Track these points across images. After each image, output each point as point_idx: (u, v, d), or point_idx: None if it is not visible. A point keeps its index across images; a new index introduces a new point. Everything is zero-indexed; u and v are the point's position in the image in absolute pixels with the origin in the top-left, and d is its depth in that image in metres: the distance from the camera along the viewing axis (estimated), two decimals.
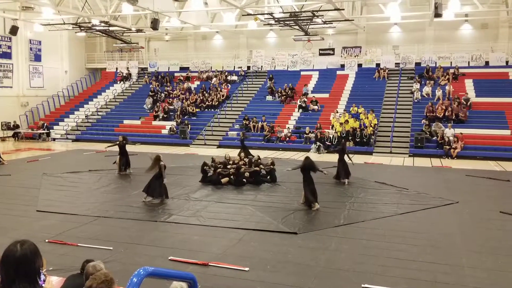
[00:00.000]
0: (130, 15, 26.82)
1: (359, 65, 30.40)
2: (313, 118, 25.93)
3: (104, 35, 30.22)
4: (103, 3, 24.68)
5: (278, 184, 14.19)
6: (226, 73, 32.52)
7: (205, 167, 14.79)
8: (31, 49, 31.35)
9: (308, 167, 11.43)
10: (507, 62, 27.59)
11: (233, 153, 19.14)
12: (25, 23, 28.44)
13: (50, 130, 28.98)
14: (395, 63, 29.74)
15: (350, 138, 23.09)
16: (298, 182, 13.41)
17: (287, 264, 7.45)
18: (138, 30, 28.71)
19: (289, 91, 28.59)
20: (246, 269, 7.15)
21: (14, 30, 25.71)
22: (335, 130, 23.66)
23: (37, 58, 31.87)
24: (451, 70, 27.63)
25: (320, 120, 25.32)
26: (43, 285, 2.84)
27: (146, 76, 34.85)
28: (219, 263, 7.35)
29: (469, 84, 26.80)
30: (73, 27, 27.08)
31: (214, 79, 32.15)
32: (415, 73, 28.77)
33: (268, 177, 14.66)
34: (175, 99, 30.28)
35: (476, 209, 11.16)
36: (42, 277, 2.87)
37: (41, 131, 28.49)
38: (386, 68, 29.29)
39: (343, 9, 23.25)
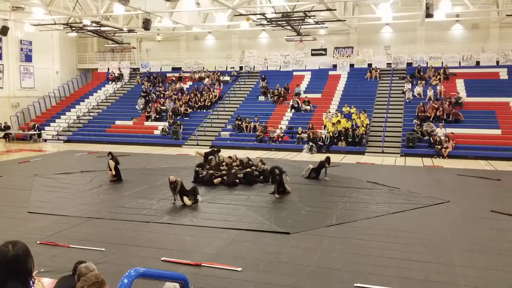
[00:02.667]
0: (122, 15, 26.72)
1: (351, 65, 30.51)
2: (306, 118, 25.98)
3: (95, 35, 30.08)
4: (94, 3, 24.58)
5: (270, 184, 14.17)
6: (219, 74, 32.49)
7: (197, 168, 14.81)
8: (21, 49, 31.15)
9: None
10: (497, 62, 27.83)
11: (226, 154, 19.13)
12: (15, 23, 28.25)
13: (41, 131, 28.78)
14: (387, 63, 29.90)
15: (342, 138, 23.19)
16: (292, 183, 13.48)
17: (279, 264, 7.46)
18: (130, 31, 28.61)
19: (283, 91, 28.62)
20: (239, 269, 7.15)
21: (4, 31, 25.51)
22: (328, 130, 23.72)
23: (28, 58, 31.66)
24: (442, 70, 27.81)
25: (313, 120, 25.37)
26: (32, 286, 2.83)
27: (138, 77, 34.73)
28: (212, 264, 7.34)
29: (460, 84, 26.99)
30: (64, 28, 26.94)
31: (207, 79, 32.11)
32: (406, 73, 28.92)
33: (261, 177, 14.68)
34: (167, 99, 30.21)
35: (467, 208, 11.23)
36: (31, 279, 2.86)
37: (32, 132, 28.31)
38: (377, 68, 29.42)
39: (335, 10, 23.33)
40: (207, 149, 18.34)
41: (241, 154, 21.18)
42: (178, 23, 28.26)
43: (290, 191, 12.90)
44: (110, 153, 15.55)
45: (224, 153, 18.78)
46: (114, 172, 14.67)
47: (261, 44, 34.47)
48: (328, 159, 15.49)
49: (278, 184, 12.68)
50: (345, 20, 26.60)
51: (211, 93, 29.93)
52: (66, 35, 31.24)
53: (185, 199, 11.45)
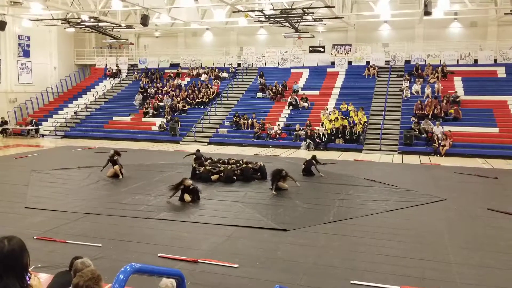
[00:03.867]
0: (120, 11, 26.62)
1: (349, 63, 30.51)
2: (303, 115, 25.98)
3: (93, 31, 29.95)
4: None
5: (268, 181, 14.17)
6: (217, 70, 32.45)
7: (194, 164, 14.81)
8: (19, 44, 31.00)
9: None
10: (495, 60, 27.85)
11: (223, 151, 19.18)
12: (13, 18, 28.12)
13: (39, 127, 28.70)
14: (385, 61, 29.90)
15: (340, 135, 23.21)
16: (289, 180, 13.48)
17: (276, 260, 7.47)
18: (128, 26, 28.51)
19: (281, 88, 28.61)
20: (236, 265, 7.16)
21: (2, 26, 25.39)
22: (325, 127, 23.73)
23: (26, 53, 31.52)
24: (440, 68, 27.83)
25: (310, 117, 25.36)
26: (29, 282, 2.83)
27: (136, 73, 34.64)
28: (209, 260, 7.35)
29: (458, 82, 27.01)
30: (62, 23, 26.80)
31: (204, 75, 32.07)
32: (404, 71, 28.95)
33: (258, 174, 14.68)
34: (165, 95, 30.17)
35: (464, 206, 11.26)
36: (28, 274, 2.85)
37: (29, 127, 28.24)
38: (375, 65, 29.42)
39: (333, 7, 23.27)
40: (192, 154, 17.85)
41: (239, 150, 21.26)
42: (176, 19, 28.15)
43: (288, 187, 12.91)
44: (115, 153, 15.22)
45: (222, 150, 18.85)
46: (120, 175, 14.60)
47: (259, 40, 34.40)
48: (313, 157, 15.63)
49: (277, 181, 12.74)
50: (343, 17, 26.53)
51: (209, 90, 29.88)
52: (64, 31, 31.11)
53: (186, 196, 11.44)
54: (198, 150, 17.42)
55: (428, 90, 25.71)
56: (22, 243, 2.79)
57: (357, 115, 24.10)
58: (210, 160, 15.82)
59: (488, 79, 26.72)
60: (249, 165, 14.89)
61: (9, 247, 2.71)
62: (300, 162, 17.05)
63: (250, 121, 25.61)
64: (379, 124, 23.92)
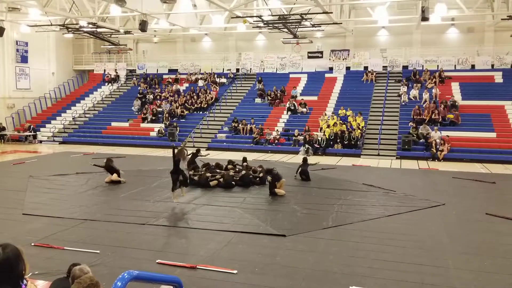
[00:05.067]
0: (118, 16, 26.69)
1: (347, 68, 30.60)
2: (302, 121, 26.01)
3: (91, 36, 30.01)
4: (91, 4, 24.54)
5: (266, 186, 14.16)
6: (215, 75, 32.50)
7: (190, 171, 14.72)
8: (17, 50, 31.03)
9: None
10: (492, 65, 27.97)
11: (222, 156, 19.13)
12: (11, 24, 28.17)
13: (37, 132, 28.69)
14: (383, 66, 30.01)
15: (338, 140, 23.23)
16: (288, 185, 13.48)
17: (275, 266, 7.45)
18: (126, 32, 28.57)
19: (280, 94, 28.66)
20: (235, 271, 7.13)
21: (0, 31, 25.42)
22: (324, 132, 23.75)
23: (24, 59, 31.55)
24: (437, 73, 27.92)
25: (309, 122, 25.40)
26: None
27: (134, 78, 34.68)
28: (207, 266, 7.32)
29: (455, 87, 27.09)
30: (60, 29, 26.85)
31: (200, 81, 32.10)
32: (402, 76, 29.02)
33: (257, 179, 14.65)
34: (163, 101, 30.18)
35: (462, 211, 11.26)
36: (24, 281, 2.84)
37: (27, 133, 28.21)
38: (373, 71, 29.49)
39: (331, 12, 23.37)
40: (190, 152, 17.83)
41: (238, 156, 21.19)
42: (175, 25, 28.24)
43: (285, 193, 12.86)
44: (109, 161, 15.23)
45: (221, 155, 18.79)
46: (120, 179, 14.59)
47: (257, 46, 34.49)
48: (305, 159, 15.81)
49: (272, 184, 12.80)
50: (341, 23, 26.65)
51: (208, 95, 29.91)
52: (62, 36, 31.17)
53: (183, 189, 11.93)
54: (198, 150, 17.38)
55: (425, 95, 25.78)
56: (17, 251, 2.77)
57: (356, 120, 24.15)
58: (207, 166, 15.77)
59: (485, 84, 26.82)
60: (250, 171, 14.83)
61: (4, 255, 2.69)
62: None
63: (248, 126, 25.63)
64: (377, 129, 23.95)
